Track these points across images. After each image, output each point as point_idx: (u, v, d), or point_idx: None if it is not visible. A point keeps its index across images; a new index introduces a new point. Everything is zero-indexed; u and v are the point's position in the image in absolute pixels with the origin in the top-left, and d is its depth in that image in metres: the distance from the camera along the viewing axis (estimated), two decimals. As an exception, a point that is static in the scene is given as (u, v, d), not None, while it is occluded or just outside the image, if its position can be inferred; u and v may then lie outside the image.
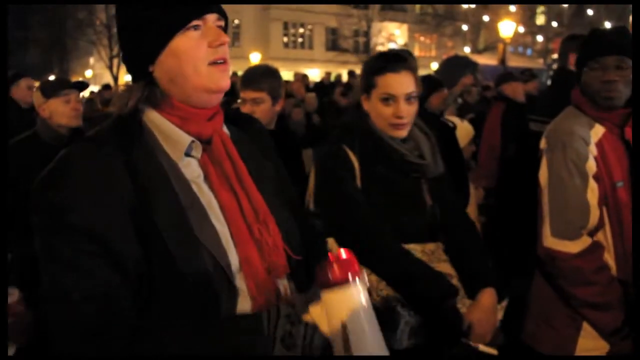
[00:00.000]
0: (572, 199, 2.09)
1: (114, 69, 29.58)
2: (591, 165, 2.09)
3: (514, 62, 21.64)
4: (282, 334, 1.11)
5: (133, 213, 1.09)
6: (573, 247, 2.07)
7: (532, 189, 2.32)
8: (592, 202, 2.09)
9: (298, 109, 5.95)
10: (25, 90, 5.02)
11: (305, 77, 11.34)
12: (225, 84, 1.20)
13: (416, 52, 25.51)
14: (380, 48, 28.94)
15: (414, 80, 1.98)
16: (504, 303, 2.04)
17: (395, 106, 1.95)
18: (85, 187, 1.07)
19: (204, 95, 1.19)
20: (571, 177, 2.09)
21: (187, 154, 1.20)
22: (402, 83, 1.95)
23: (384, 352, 1.05)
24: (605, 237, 2.12)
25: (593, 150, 2.11)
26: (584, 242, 2.08)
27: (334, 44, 33.60)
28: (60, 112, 2.95)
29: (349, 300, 1.06)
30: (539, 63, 28.54)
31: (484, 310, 1.91)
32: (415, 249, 1.96)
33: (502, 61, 18.20)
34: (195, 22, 1.16)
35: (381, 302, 1.86)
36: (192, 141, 1.19)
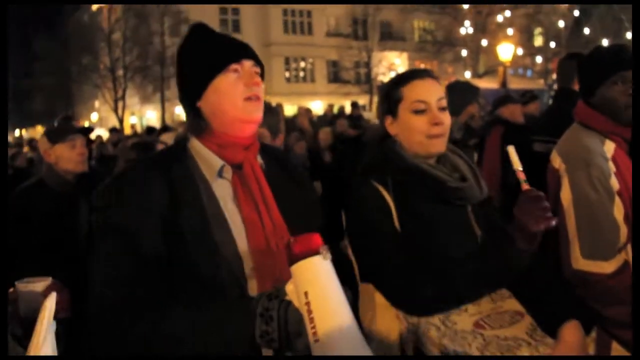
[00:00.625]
0: (601, 217, 2.02)
1: (119, 111, 29.91)
2: (614, 182, 2.05)
3: (514, 84, 21.71)
4: (261, 310, 1.21)
5: (164, 220, 1.33)
6: (608, 267, 1.98)
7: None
8: (619, 219, 2.02)
9: (301, 143, 5.99)
10: None
11: (308, 110, 11.41)
12: (258, 116, 1.46)
13: (417, 80, 25.50)
14: (381, 77, 29.16)
15: (442, 90, 1.81)
16: (593, 334, 1.80)
17: (430, 114, 1.74)
18: (127, 196, 1.35)
19: (240, 125, 1.44)
20: (598, 195, 2.03)
21: (220, 176, 1.44)
22: (431, 89, 1.77)
23: (346, 317, 1.14)
24: (627, 254, 2.05)
25: (612, 166, 2.07)
26: (618, 260, 2.00)
27: (335, 76, 33.89)
28: (66, 157, 2.97)
29: (310, 270, 1.17)
30: (539, 84, 28.63)
31: (570, 348, 1.63)
32: None
33: (503, 84, 18.27)
34: (234, 66, 1.43)
35: None
36: (223, 165, 1.44)
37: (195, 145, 1.48)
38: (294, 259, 1.17)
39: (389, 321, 1.72)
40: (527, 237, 1.56)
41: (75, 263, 2.58)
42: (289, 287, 1.21)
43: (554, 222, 1.54)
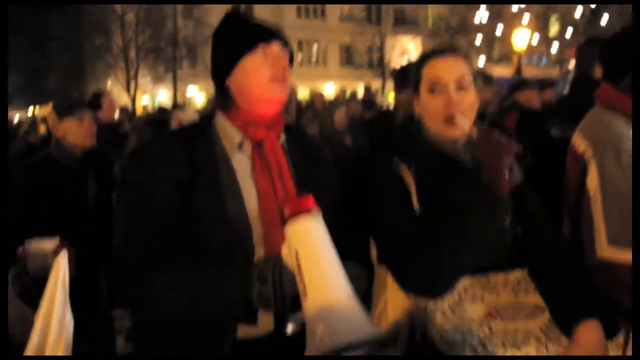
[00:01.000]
0: (630, 204, 1.88)
1: (131, 91, 29.95)
2: None
3: (529, 72, 21.50)
4: (257, 272, 1.29)
5: (182, 186, 1.42)
6: None
7: (557, 196, 2.23)
8: None
9: (313, 125, 5.96)
10: (107, 108, 5.58)
11: (321, 95, 11.32)
12: (282, 95, 1.53)
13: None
14: (394, 62, 28.94)
15: (467, 67, 1.69)
16: (620, 339, 1.63)
17: (445, 95, 1.64)
18: (149, 161, 1.47)
19: (264, 104, 1.51)
20: (627, 181, 1.92)
21: (240, 150, 1.52)
22: (450, 67, 1.67)
23: (335, 274, 1.16)
24: None
25: None
26: None
27: (348, 60, 33.74)
28: (74, 132, 2.95)
29: (300, 229, 1.22)
30: (554, 72, 28.33)
31: (584, 350, 1.51)
32: (496, 280, 1.63)
33: (518, 71, 18.06)
34: (261, 48, 1.51)
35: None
36: (243, 139, 1.52)
37: (220, 120, 1.57)
38: (286, 219, 1.23)
39: (400, 304, 1.66)
40: (495, 175, 1.54)
41: (82, 236, 2.59)
42: (284, 250, 1.26)
43: (517, 148, 1.55)
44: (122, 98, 30.89)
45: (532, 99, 4.76)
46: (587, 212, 2.01)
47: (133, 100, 28.70)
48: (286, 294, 1.25)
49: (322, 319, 1.10)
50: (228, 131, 1.54)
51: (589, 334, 1.54)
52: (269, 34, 1.55)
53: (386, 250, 1.68)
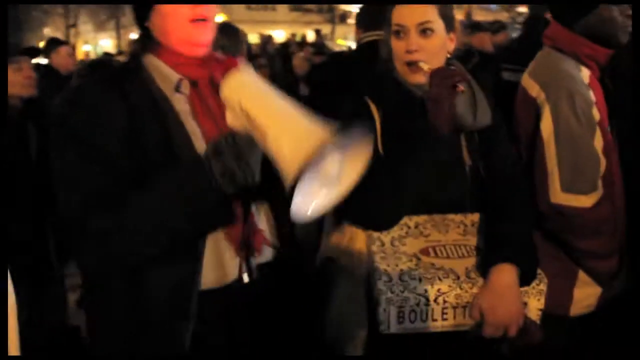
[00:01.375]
0: (583, 150, 1.95)
1: (72, 39, 28.67)
2: (596, 112, 1.97)
3: (479, 16, 21.51)
4: (210, 150, 1.23)
5: (124, 131, 1.33)
6: (587, 201, 1.93)
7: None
8: (599, 151, 1.96)
9: (264, 70, 5.87)
10: (66, 58, 5.33)
11: (270, 38, 11.11)
12: (204, 38, 1.41)
13: (381, 10, 25.14)
14: (343, 7, 28.56)
15: (436, 12, 1.67)
16: (542, 286, 1.65)
17: (406, 39, 1.66)
18: (86, 106, 1.34)
19: (188, 47, 1.41)
20: (581, 126, 1.93)
21: (178, 91, 1.42)
22: (414, 11, 1.66)
23: (286, 105, 1.15)
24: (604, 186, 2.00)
25: (592, 94, 1.98)
26: (598, 194, 1.95)
27: (297, 5, 33.05)
28: (11, 81, 2.77)
29: (235, 83, 1.20)
30: (504, 17, 28.49)
31: (496, 292, 1.55)
32: (452, 219, 1.69)
33: (468, 15, 18.07)
34: None
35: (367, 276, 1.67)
36: (181, 79, 1.42)
37: (151, 60, 1.45)
38: (219, 82, 1.21)
39: (361, 241, 1.74)
40: (435, 108, 1.57)
41: (26, 188, 2.47)
42: (228, 118, 1.23)
43: (462, 79, 1.58)
44: (62, 46, 29.63)
45: (484, 41, 4.76)
46: (540, 157, 2.02)
47: (74, 49, 27.50)
48: (248, 157, 1.20)
49: (287, 143, 1.09)
50: (163, 71, 1.43)
51: (502, 276, 1.57)
52: None
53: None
